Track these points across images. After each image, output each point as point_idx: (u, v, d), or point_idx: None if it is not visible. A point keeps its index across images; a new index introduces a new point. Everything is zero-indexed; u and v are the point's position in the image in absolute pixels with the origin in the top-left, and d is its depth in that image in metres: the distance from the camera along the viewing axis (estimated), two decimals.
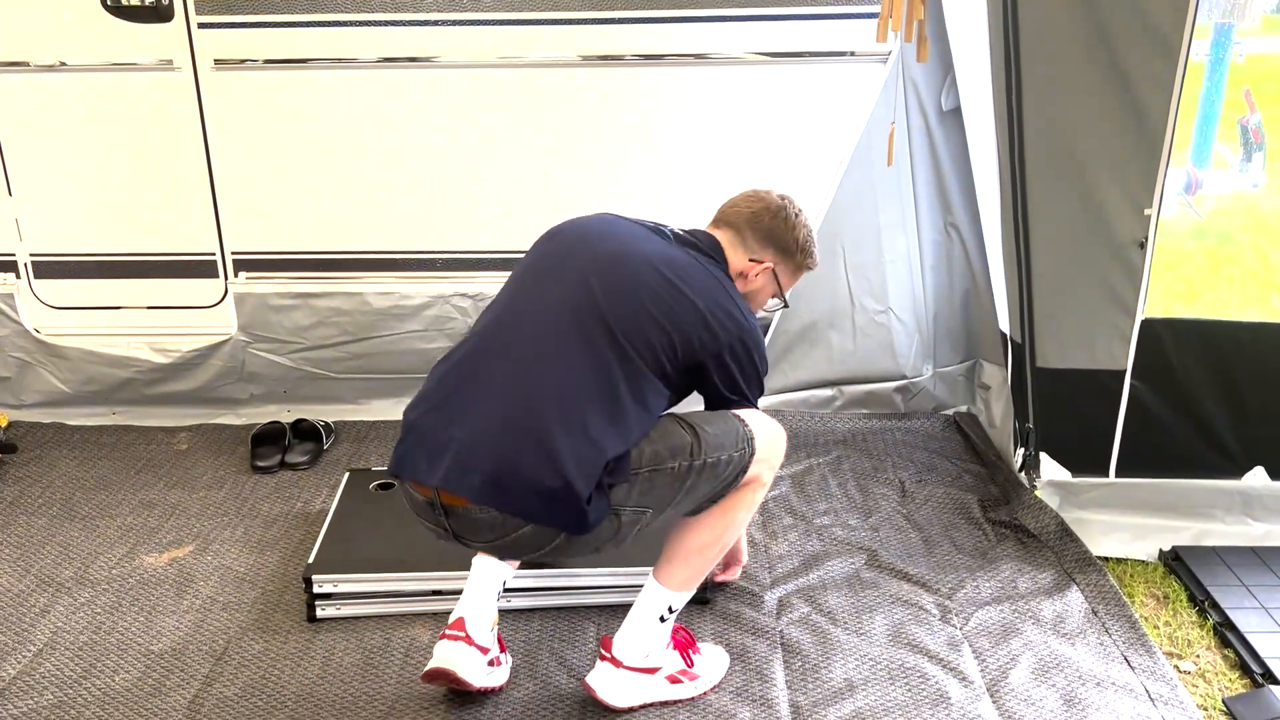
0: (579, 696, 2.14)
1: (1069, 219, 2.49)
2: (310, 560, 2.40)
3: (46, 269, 3.30)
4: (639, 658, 2.08)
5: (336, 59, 3.07)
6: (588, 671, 2.13)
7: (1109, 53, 2.32)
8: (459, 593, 2.12)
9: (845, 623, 2.38)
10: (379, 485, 2.73)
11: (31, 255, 3.29)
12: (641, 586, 2.12)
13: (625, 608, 2.40)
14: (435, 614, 2.38)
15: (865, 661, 2.25)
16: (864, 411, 3.41)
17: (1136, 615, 2.38)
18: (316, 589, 2.36)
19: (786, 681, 2.19)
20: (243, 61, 3.07)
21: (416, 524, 2.04)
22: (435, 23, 3.03)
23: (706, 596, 2.43)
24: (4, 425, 3.34)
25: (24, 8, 3.03)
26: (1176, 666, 2.27)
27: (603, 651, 2.10)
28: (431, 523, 1.99)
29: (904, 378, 3.38)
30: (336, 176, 3.19)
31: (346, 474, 2.80)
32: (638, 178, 3.18)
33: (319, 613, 2.38)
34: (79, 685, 2.19)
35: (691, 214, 3.05)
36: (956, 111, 3.04)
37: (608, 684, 2.08)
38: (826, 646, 2.30)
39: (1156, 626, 2.42)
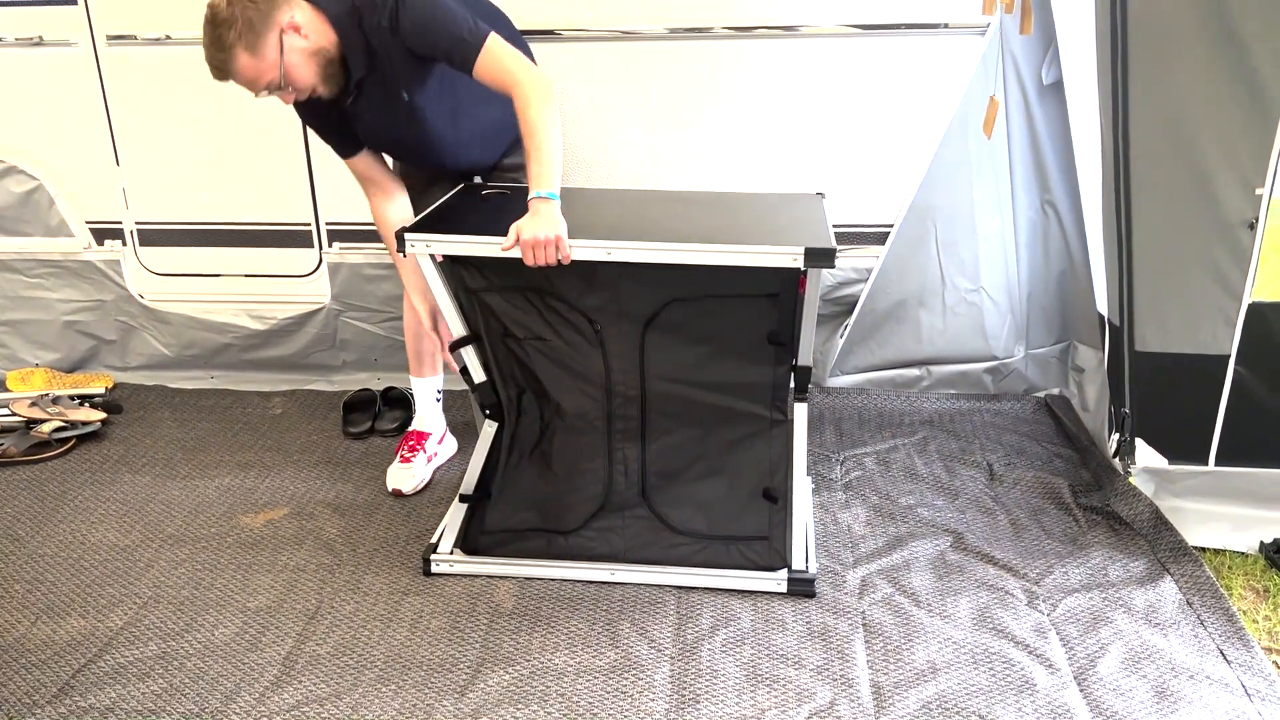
0: (660, 665, 2.16)
1: (1174, 197, 2.40)
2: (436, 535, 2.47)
3: (151, 236, 3.42)
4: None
5: None
6: (667, 642, 2.16)
7: (1223, 21, 2.22)
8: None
9: (928, 605, 2.35)
10: None
11: (137, 223, 3.41)
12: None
13: (705, 590, 2.41)
14: (524, 579, 2.43)
15: (948, 644, 2.22)
16: (952, 392, 3.35)
17: (1234, 608, 2.31)
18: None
19: (868, 661, 2.18)
20: None
21: None
22: None
23: (811, 590, 2.40)
24: (110, 386, 3.49)
25: None
26: (1276, 663, 2.20)
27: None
28: None
29: (995, 359, 3.31)
30: None
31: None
32: (723, 151, 3.16)
33: (434, 568, 2.47)
34: (181, 638, 2.28)
35: (780, 187, 3.03)
36: (1057, 85, 2.94)
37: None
38: (909, 628, 2.28)
39: (1255, 620, 2.34)
